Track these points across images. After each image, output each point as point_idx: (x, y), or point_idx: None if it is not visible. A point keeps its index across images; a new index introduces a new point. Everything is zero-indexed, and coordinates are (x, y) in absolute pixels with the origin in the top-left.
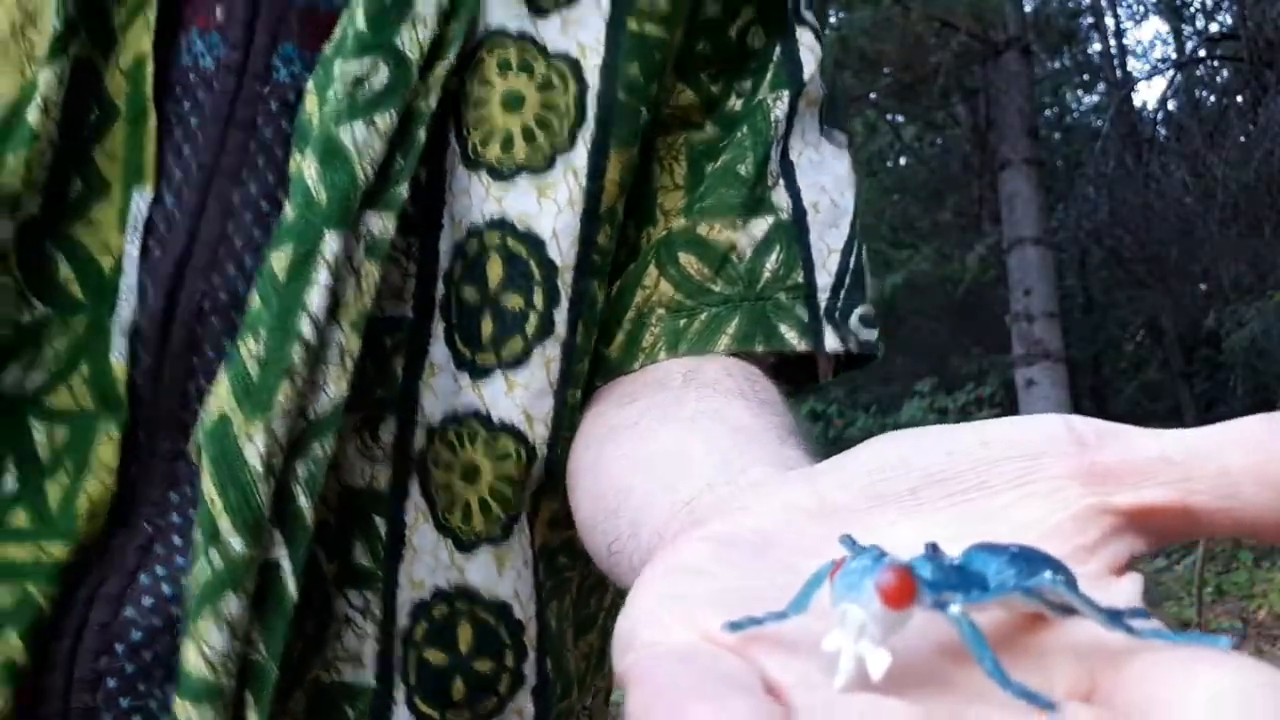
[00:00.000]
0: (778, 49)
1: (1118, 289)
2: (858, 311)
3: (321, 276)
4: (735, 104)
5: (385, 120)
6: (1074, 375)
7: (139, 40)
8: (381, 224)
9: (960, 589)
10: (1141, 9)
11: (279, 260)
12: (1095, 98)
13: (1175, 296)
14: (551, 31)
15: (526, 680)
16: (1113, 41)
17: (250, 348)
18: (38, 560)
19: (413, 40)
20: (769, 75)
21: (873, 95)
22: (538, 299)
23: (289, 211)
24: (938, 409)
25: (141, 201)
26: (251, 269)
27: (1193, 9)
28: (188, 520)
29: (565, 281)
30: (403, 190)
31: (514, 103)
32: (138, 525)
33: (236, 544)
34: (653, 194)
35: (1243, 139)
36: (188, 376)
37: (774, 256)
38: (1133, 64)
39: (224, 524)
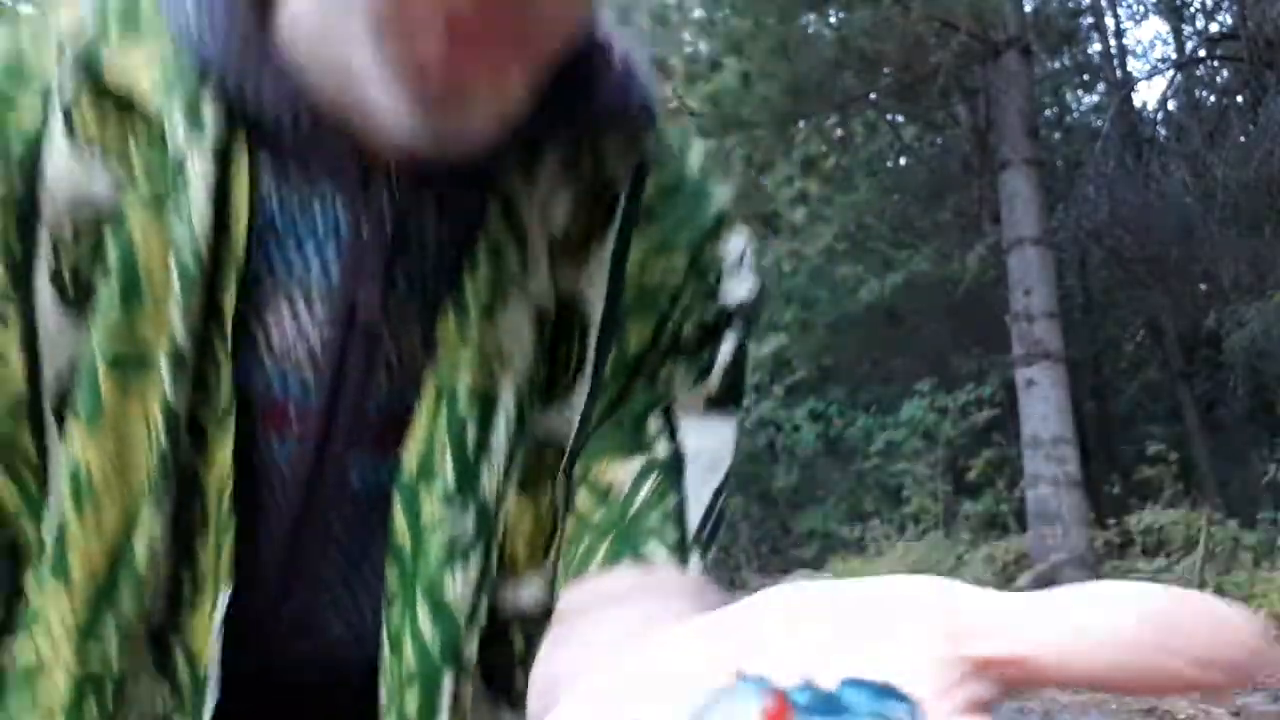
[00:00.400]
0: (706, 351)
1: (1118, 289)
2: (715, 548)
3: (444, 714)
4: (665, 374)
5: (474, 569)
6: (1074, 375)
7: (224, 449)
8: (470, 650)
9: (828, 714)
10: (1141, 9)
11: (411, 702)
12: (1095, 98)
13: (1175, 296)
14: (549, 422)
15: None
16: (1113, 41)
17: None
18: None
19: (491, 486)
20: (694, 371)
21: (873, 95)
22: None
23: (408, 651)
24: (938, 408)
25: (223, 599)
26: (339, 644)
27: (1193, 9)
28: None
29: None
30: (481, 617)
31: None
32: None
33: None
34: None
35: (1243, 139)
36: None
37: (647, 489)
38: (1133, 64)
39: None
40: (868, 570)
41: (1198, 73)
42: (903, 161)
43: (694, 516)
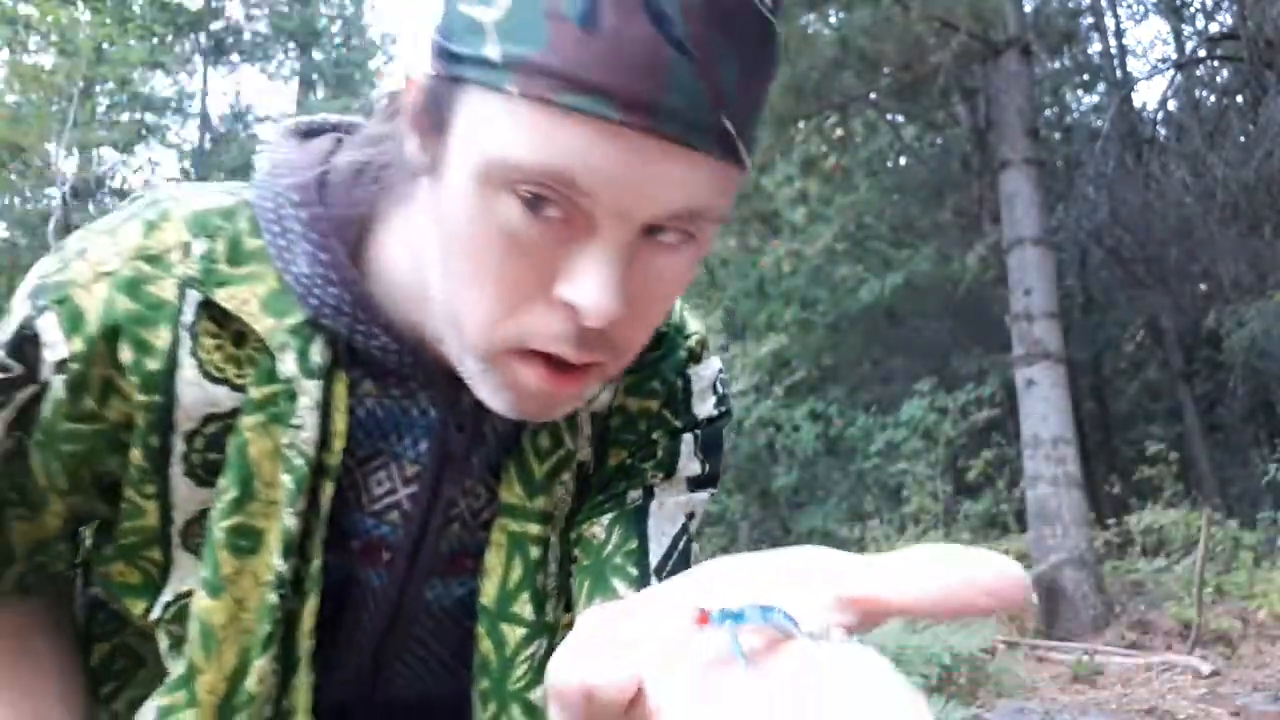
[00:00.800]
0: (671, 444)
1: (1118, 289)
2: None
3: None
4: (641, 466)
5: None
6: (1074, 375)
7: (314, 602)
8: None
9: (735, 619)
10: (1141, 9)
11: None
12: (1095, 98)
13: (1175, 296)
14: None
15: None
16: (1113, 41)
17: None
18: None
19: (555, 611)
20: (660, 460)
21: (873, 95)
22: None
23: None
24: (938, 408)
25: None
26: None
27: (1193, 9)
28: None
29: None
30: None
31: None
32: None
33: None
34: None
35: (1243, 139)
36: None
37: (616, 535)
38: (1133, 64)
39: None
40: None
41: (1198, 73)
42: (903, 161)
43: (655, 555)
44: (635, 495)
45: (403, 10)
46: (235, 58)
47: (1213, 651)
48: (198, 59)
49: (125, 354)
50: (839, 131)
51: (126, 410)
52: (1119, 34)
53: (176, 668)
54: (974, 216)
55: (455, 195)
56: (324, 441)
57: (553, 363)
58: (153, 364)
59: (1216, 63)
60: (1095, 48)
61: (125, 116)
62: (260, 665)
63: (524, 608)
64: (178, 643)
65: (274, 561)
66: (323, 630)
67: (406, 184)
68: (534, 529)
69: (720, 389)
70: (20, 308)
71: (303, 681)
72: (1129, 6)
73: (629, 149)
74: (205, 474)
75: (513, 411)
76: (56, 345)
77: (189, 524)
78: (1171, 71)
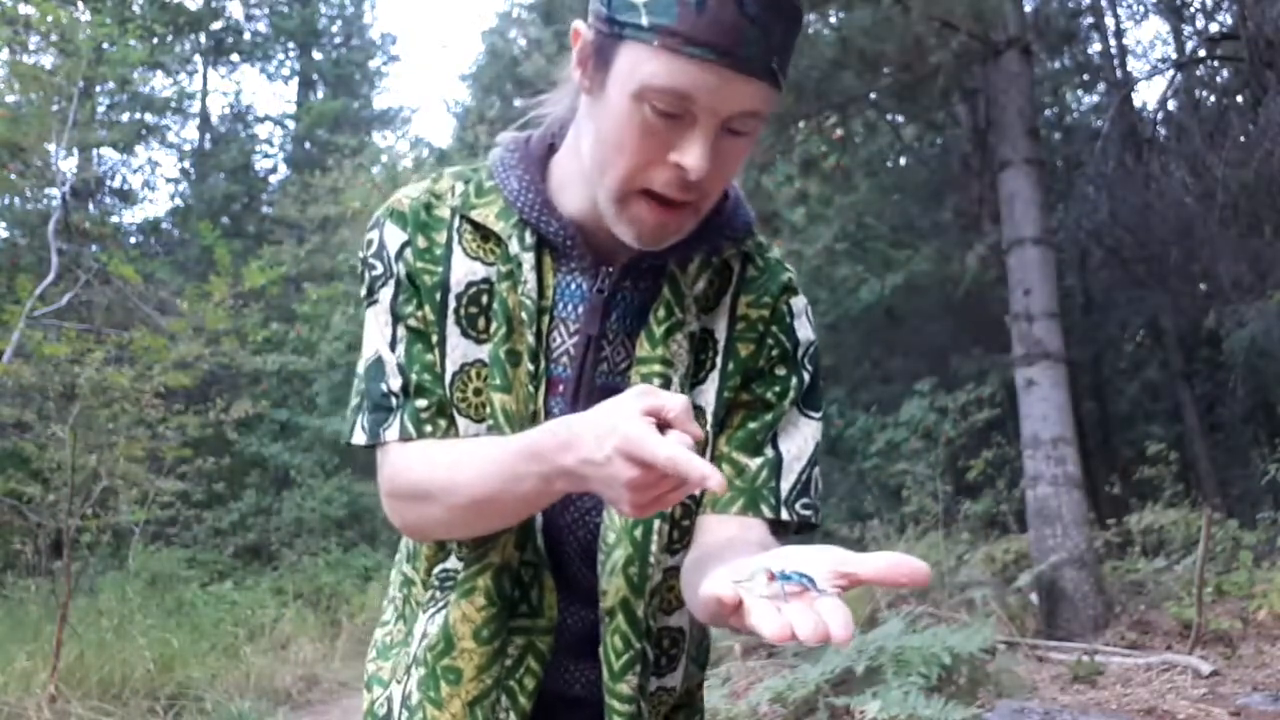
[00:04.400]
0: (793, 379)
1: (1118, 289)
2: (800, 503)
3: (655, 542)
4: (770, 398)
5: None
6: (1074, 375)
7: (539, 403)
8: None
9: (785, 579)
10: (1141, 9)
11: (638, 532)
12: (1095, 98)
13: (1175, 296)
14: (694, 396)
15: (684, 652)
16: (1113, 41)
17: (631, 570)
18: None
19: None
20: (789, 392)
21: (873, 95)
22: None
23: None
24: (938, 408)
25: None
26: (594, 513)
27: (1193, 9)
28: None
29: None
30: None
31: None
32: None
33: (632, 621)
34: (727, 431)
35: (1243, 139)
36: (573, 561)
37: (764, 474)
38: (1133, 64)
39: (621, 624)
40: None
41: (1198, 73)
42: (903, 161)
43: (785, 488)
44: (770, 450)
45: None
46: (235, 58)
47: (1213, 651)
48: (198, 59)
49: (422, 243)
50: (839, 131)
51: (428, 278)
52: (1119, 34)
53: None
54: (974, 216)
55: (615, 106)
56: (541, 292)
57: (661, 201)
58: (438, 250)
59: (1216, 63)
60: (1095, 48)
61: (125, 116)
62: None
63: None
64: None
65: (528, 366)
66: None
67: (570, 118)
68: (656, 368)
69: (810, 318)
70: (371, 231)
71: None
72: (1129, 6)
73: (720, 77)
74: (468, 325)
75: (637, 238)
76: (395, 238)
77: (454, 379)
78: (1171, 71)
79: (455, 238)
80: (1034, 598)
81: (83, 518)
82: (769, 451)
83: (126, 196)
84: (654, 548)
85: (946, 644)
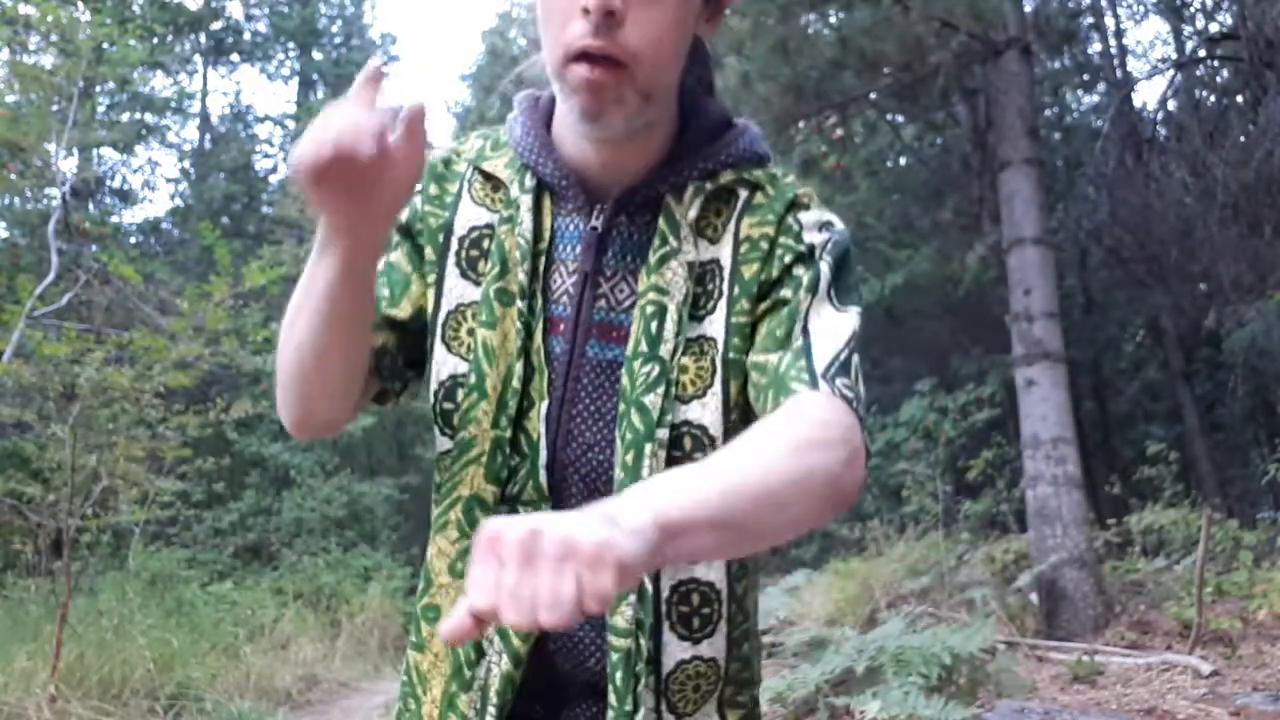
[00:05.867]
0: (809, 273)
1: (1118, 289)
2: (839, 380)
3: (647, 467)
4: (787, 294)
5: (657, 395)
6: (1074, 375)
7: (538, 337)
8: (660, 434)
9: None
10: (1141, 9)
11: (628, 460)
12: (1095, 98)
13: (1175, 296)
14: (703, 328)
15: (723, 617)
16: (1113, 41)
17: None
18: None
19: (669, 353)
20: (804, 282)
21: (873, 95)
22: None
23: (628, 433)
24: (938, 409)
25: (543, 407)
26: (596, 448)
27: (1193, 9)
28: None
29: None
30: (667, 420)
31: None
32: None
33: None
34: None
35: (1243, 139)
36: (575, 497)
37: (788, 358)
38: (1133, 64)
39: None
40: (868, 570)
41: (1198, 73)
42: (903, 161)
43: (820, 364)
44: (799, 340)
45: (402, 10)
46: (235, 58)
47: (1213, 651)
48: (198, 59)
49: (434, 190)
50: (839, 131)
51: (433, 220)
52: (1119, 34)
53: (455, 421)
54: (974, 216)
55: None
56: (538, 234)
57: (587, 59)
58: (447, 198)
59: (1216, 63)
60: (1095, 48)
61: (125, 116)
62: (518, 368)
63: (643, 345)
64: (447, 417)
65: (519, 305)
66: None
67: None
68: (650, 296)
69: (828, 228)
70: None
71: (542, 381)
72: (1129, 6)
73: None
74: (467, 267)
75: (581, 109)
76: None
77: (448, 318)
78: (1171, 71)
79: (466, 187)
80: (1034, 598)
81: (83, 518)
82: (796, 341)
83: (126, 196)
84: (645, 473)
85: (946, 644)
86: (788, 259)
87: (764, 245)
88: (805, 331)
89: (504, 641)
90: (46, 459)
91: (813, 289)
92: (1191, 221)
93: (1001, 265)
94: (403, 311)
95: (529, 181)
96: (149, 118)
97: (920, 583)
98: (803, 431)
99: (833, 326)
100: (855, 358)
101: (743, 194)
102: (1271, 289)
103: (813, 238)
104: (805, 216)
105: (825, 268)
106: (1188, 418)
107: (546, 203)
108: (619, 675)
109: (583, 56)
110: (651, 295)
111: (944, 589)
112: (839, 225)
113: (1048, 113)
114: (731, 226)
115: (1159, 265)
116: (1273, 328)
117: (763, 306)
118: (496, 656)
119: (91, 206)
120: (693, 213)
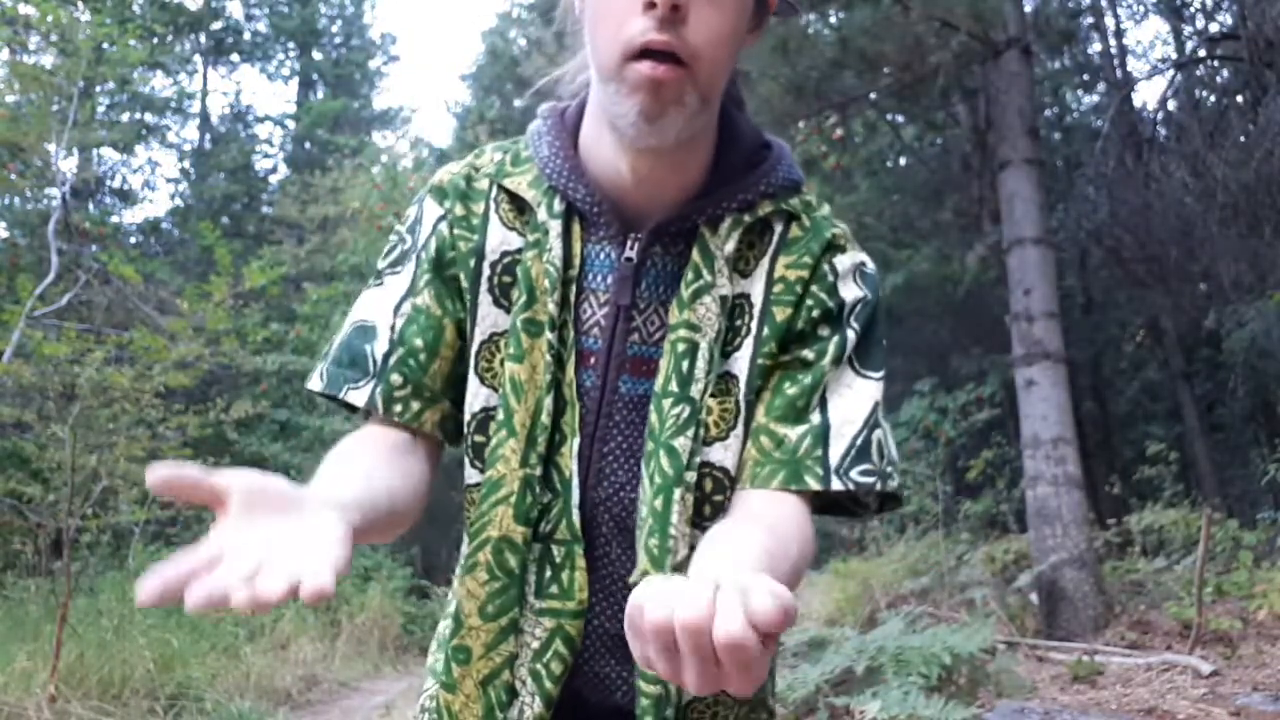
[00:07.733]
0: (835, 337)
1: (1118, 289)
2: (857, 469)
3: (675, 512)
4: (809, 356)
5: (687, 437)
6: (1074, 375)
7: (570, 370)
8: (688, 477)
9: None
10: (1141, 9)
11: (657, 504)
12: (1095, 98)
13: (1175, 296)
14: (729, 365)
15: None
16: (1113, 41)
17: (651, 541)
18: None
19: (699, 393)
20: (829, 350)
21: (873, 95)
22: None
23: (656, 476)
24: (938, 409)
25: (575, 444)
26: (628, 487)
27: (1193, 9)
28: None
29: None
30: (695, 462)
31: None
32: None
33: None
34: (763, 400)
35: (1243, 139)
36: (605, 538)
37: (806, 442)
38: (1133, 64)
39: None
40: (868, 570)
41: (1198, 73)
42: (903, 161)
43: (835, 455)
44: (818, 417)
45: (402, 10)
46: (235, 58)
47: (1213, 651)
48: (198, 59)
49: (460, 211)
50: (839, 131)
51: (463, 244)
52: (1119, 34)
53: (485, 453)
54: (974, 216)
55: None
56: (568, 261)
57: (650, 55)
58: (475, 220)
59: (1216, 63)
60: (1095, 48)
61: (125, 116)
62: (548, 402)
63: (673, 384)
64: (478, 450)
65: (549, 337)
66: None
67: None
68: (681, 333)
69: (862, 277)
70: (412, 206)
71: (574, 416)
72: (1129, 6)
73: None
74: (500, 294)
75: (641, 113)
76: (432, 213)
77: (480, 347)
78: (1171, 71)
79: (493, 207)
80: (1034, 598)
81: (83, 518)
82: (814, 418)
83: (126, 196)
84: (674, 518)
85: (946, 644)
86: (816, 313)
87: (798, 289)
88: (825, 410)
89: (536, 683)
90: (46, 459)
91: (837, 359)
92: (1191, 221)
93: (1001, 265)
94: (442, 373)
95: (558, 206)
96: (149, 118)
97: (920, 583)
98: (806, 549)
99: (855, 402)
100: (878, 431)
101: (778, 227)
102: (1271, 289)
103: (846, 291)
104: (841, 262)
105: (852, 334)
106: (1188, 418)
107: (576, 228)
108: None
109: (645, 54)
110: (683, 332)
111: (944, 589)
112: (871, 268)
113: (1048, 113)
114: (765, 262)
115: (1159, 265)
116: (1273, 328)
117: (784, 357)
118: (529, 698)
119: (91, 206)
120: (730, 246)
